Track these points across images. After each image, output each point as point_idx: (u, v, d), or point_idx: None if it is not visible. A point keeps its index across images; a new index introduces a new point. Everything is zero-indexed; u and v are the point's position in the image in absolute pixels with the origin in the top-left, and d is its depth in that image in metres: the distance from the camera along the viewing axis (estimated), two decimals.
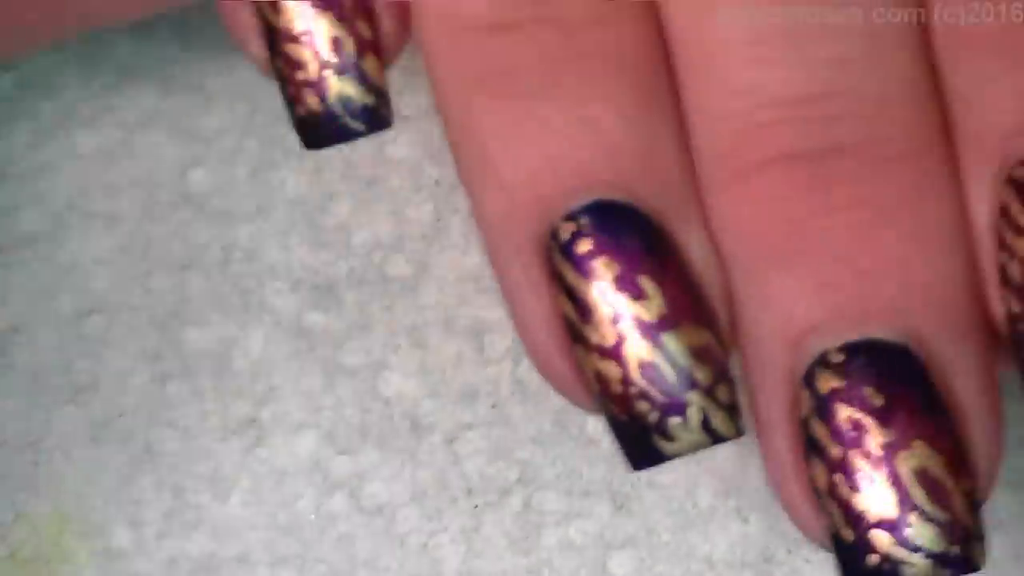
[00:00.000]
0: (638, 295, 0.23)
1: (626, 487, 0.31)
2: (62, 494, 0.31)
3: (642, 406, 0.23)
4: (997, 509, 0.31)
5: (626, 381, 0.23)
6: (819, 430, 0.23)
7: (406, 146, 0.32)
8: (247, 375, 0.31)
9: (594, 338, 0.23)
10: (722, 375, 0.23)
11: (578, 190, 0.23)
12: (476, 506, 0.31)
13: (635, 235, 0.23)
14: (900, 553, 0.22)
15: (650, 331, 0.23)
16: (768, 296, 0.23)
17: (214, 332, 0.31)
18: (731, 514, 0.31)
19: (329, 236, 0.32)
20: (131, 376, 0.31)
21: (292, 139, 0.32)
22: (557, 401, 0.31)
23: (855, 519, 0.22)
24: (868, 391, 0.22)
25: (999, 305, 0.23)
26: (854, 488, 0.22)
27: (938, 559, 0.22)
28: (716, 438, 0.23)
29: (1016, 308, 0.23)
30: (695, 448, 0.23)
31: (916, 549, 0.22)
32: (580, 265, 0.23)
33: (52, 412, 0.31)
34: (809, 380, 0.23)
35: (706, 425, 0.23)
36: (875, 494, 0.22)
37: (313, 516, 0.31)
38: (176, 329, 0.31)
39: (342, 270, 0.32)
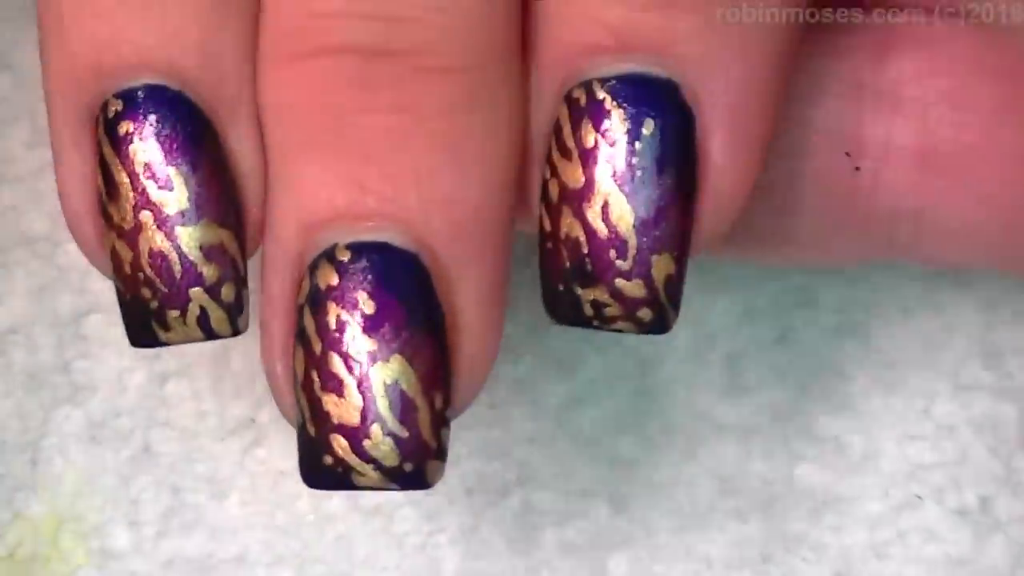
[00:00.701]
0: (164, 185, 0.23)
1: (625, 487, 0.31)
2: (60, 494, 0.31)
3: (146, 292, 0.23)
4: (997, 510, 0.31)
5: (135, 265, 0.23)
6: (308, 322, 0.23)
7: None
8: (245, 375, 0.31)
9: (115, 217, 0.23)
10: (231, 275, 0.23)
11: (135, 69, 0.23)
12: (474, 508, 0.31)
13: (176, 125, 0.23)
14: (354, 461, 0.23)
15: (167, 223, 0.23)
16: (294, 179, 0.23)
17: None
18: (730, 514, 0.31)
19: None
20: (129, 376, 0.31)
21: None
22: (557, 401, 0.31)
23: (320, 417, 0.23)
24: (361, 296, 0.23)
25: (536, 219, 0.24)
26: (325, 388, 0.23)
27: (389, 473, 0.23)
28: (211, 335, 0.24)
29: (547, 226, 0.23)
30: (190, 340, 0.24)
31: (370, 460, 0.23)
32: (117, 143, 0.23)
33: (50, 412, 0.31)
34: (312, 269, 0.23)
35: (202, 322, 0.23)
36: (344, 398, 0.23)
37: (311, 516, 0.31)
38: None
39: None
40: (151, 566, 0.31)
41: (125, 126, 0.23)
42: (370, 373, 0.23)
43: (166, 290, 0.23)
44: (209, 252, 0.23)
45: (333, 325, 0.23)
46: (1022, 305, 0.31)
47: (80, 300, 0.32)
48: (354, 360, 0.23)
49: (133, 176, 0.23)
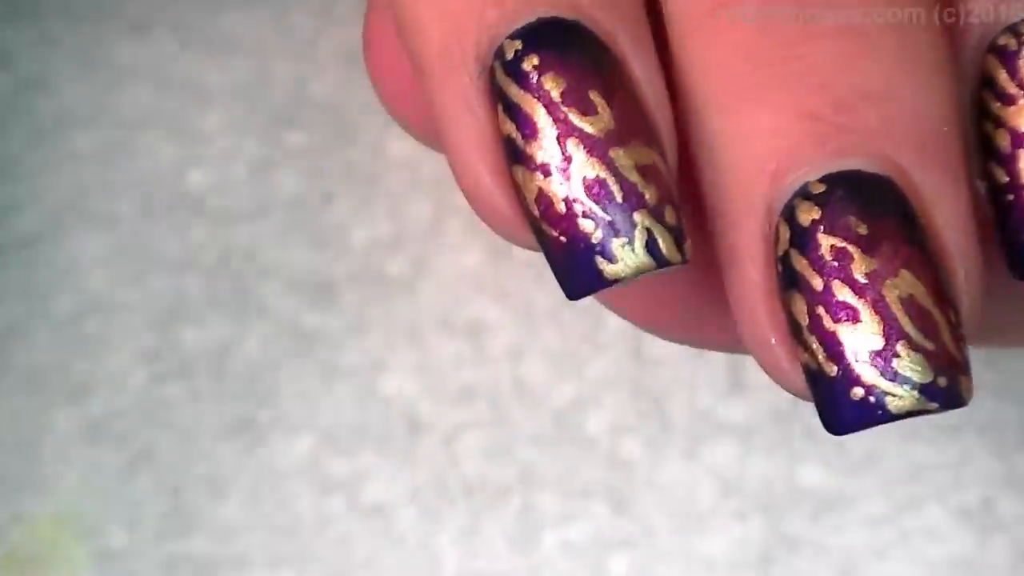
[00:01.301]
0: (586, 110, 0.22)
1: (625, 487, 0.31)
2: (60, 495, 0.31)
3: (587, 225, 0.22)
4: (997, 509, 0.31)
5: (570, 199, 0.22)
6: (799, 262, 0.22)
7: (405, 145, 0.32)
8: (245, 375, 0.31)
9: (539, 156, 0.22)
10: (670, 197, 0.22)
11: (522, 11, 0.22)
12: (474, 507, 0.31)
13: (582, 51, 0.22)
14: (886, 384, 0.21)
15: (598, 146, 0.22)
16: (745, 128, 0.22)
17: (212, 332, 0.31)
18: (731, 514, 0.31)
19: (328, 236, 0.32)
20: (129, 376, 0.31)
21: (292, 139, 0.32)
22: (557, 401, 0.31)
23: (838, 352, 0.22)
24: (852, 220, 0.22)
25: (983, 178, 0.23)
26: (838, 319, 0.22)
27: (925, 390, 0.21)
28: (661, 262, 0.22)
29: (1002, 179, 0.23)
30: (638, 271, 0.22)
31: (904, 380, 0.21)
32: (525, 80, 0.22)
33: (50, 412, 0.31)
34: (789, 213, 0.22)
35: (651, 247, 0.22)
36: (861, 324, 0.22)
37: (311, 516, 0.31)
38: (174, 329, 0.31)
39: (340, 270, 0.32)
40: (151, 566, 0.31)
41: (530, 60, 0.22)
42: (883, 291, 0.22)
43: (610, 217, 0.22)
44: (646, 172, 0.22)
45: (829, 255, 0.22)
46: None
47: (79, 300, 0.32)
48: (862, 282, 0.22)
49: (552, 107, 0.22)
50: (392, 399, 0.31)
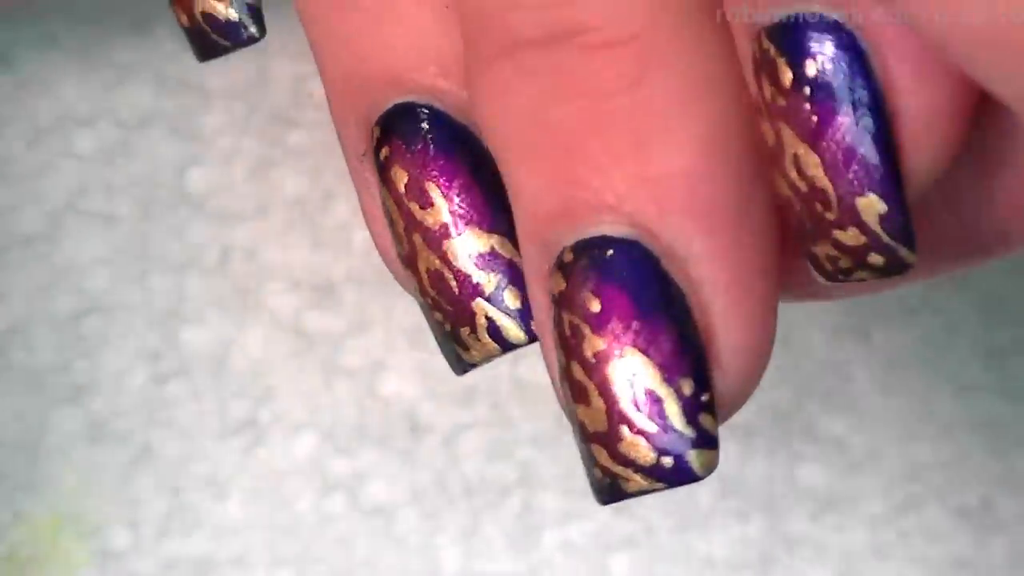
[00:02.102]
0: (424, 203, 0.22)
1: None
2: (60, 494, 0.31)
3: (438, 316, 0.23)
4: (997, 509, 0.31)
5: (423, 291, 0.23)
6: (555, 330, 0.22)
7: None
8: (246, 375, 0.31)
9: (399, 248, 0.23)
10: (511, 278, 0.22)
11: (389, 95, 0.22)
12: (475, 507, 0.31)
13: (428, 138, 0.22)
14: (616, 468, 0.21)
15: (434, 239, 0.22)
16: (516, 191, 0.22)
17: (212, 332, 0.31)
18: (731, 514, 0.31)
19: (328, 236, 0.32)
20: (129, 376, 0.31)
21: (292, 139, 0.32)
22: (557, 401, 0.31)
23: (580, 431, 0.22)
24: (586, 295, 0.22)
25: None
26: (576, 399, 0.22)
27: (650, 472, 0.21)
28: (506, 345, 0.22)
29: (783, 191, 0.22)
30: (490, 357, 0.22)
31: (628, 463, 0.21)
32: (382, 170, 0.23)
33: (50, 412, 0.31)
34: (550, 277, 0.22)
35: (493, 332, 0.22)
36: (590, 406, 0.21)
37: (312, 516, 0.31)
38: (174, 329, 0.31)
39: (341, 270, 0.32)
40: (151, 566, 0.31)
41: (384, 152, 0.23)
42: (606, 373, 0.21)
43: (451, 309, 0.22)
44: (480, 260, 0.22)
45: (568, 332, 0.22)
46: (1022, 305, 0.31)
47: (80, 300, 0.32)
48: (590, 364, 0.21)
49: (398, 199, 0.23)
50: (392, 399, 0.31)
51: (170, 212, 0.32)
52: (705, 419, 0.22)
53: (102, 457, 0.31)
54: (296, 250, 0.32)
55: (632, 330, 0.22)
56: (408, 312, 0.31)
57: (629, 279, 0.22)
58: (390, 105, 0.22)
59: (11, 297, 0.32)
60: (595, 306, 0.22)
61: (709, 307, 0.22)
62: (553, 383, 0.23)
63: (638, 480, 0.21)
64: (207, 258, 0.32)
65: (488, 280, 0.22)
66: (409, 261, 0.23)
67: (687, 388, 0.22)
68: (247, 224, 0.32)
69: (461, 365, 0.23)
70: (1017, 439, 0.31)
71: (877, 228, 0.21)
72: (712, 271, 0.22)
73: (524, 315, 0.23)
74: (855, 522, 0.31)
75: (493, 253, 0.23)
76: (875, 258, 0.22)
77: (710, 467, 0.22)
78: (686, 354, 0.22)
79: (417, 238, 0.22)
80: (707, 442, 0.22)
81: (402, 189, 0.23)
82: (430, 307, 0.23)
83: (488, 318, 0.22)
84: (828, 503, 0.31)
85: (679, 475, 0.21)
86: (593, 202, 0.22)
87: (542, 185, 0.22)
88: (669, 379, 0.21)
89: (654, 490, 0.21)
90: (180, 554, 0.31)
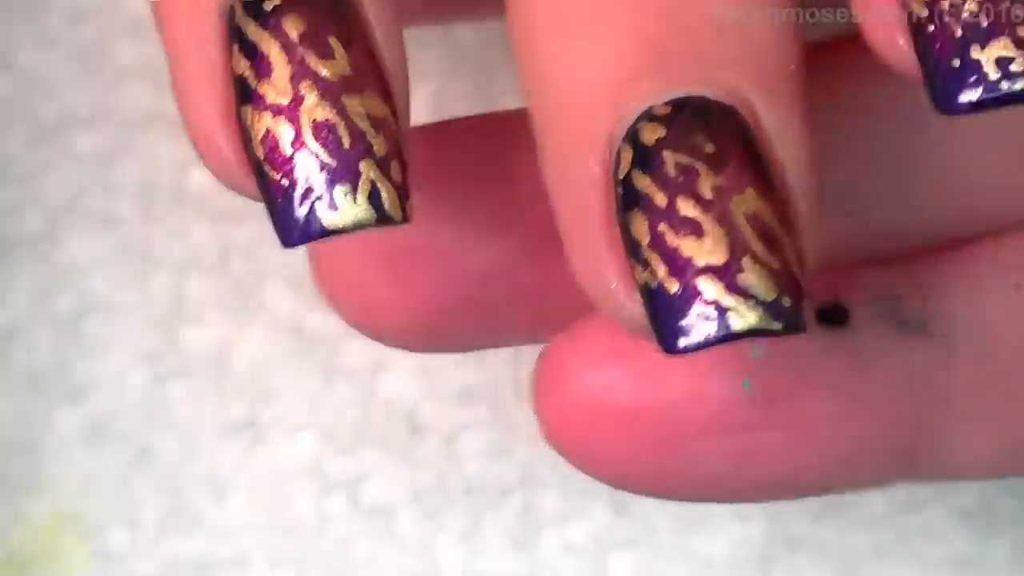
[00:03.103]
0: (324, 53, 0.22)
1: None
2: (60, 495, 0.31)
3: (311, 169, 0.22)
4: (997, 509, 0.31)
5: (298, 141, 0.22)
6: (642, 181, 0.21)
7: None
8: (246, 375, 0.31)
9: (270, 95, 0.22)
10: (398, 153, 0.22)
11: None
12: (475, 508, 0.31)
13: None
14: (729, 300, 0.21)
15: (331, 90, 0.22)
16: (584, 53, 0.22)
17: (213, 332, 0.31)
18: (731, 514, 0.31)
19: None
20: (129, 376, 0.31)
21: None
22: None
23: (681, 267, 0.21)
24: (699, 137, 0.21)
25: (895, 26, 0.22)
26: (682, 234, 0.21)
27: (769, 308, 0.21)
28: (381, 217, 0.22)
29: (919, 11, 0.21)
30: (357, 223, 0.22)
31: (748, 295, 0.21)
32: (265, 20, 0.22)
33: (50, 412, 0.31)
34: (632, 136, 0.21)
35: (373, 199, 0.21)
36: (706, 238, 0.21)
37: (312, 517, 0.31)
38: (175, 329, 0.31)
39: None
40: (151, 567, 0.31)
41: (271, 2, 0.22)
42: (729, 206, 0.21)
43: (335, 163, 0.21)
44: (377, 124, 0.22)
45: (674, 171, 0.21)
46: None
47: (80, 300, 0.32)
48: (708, 197, 0.21)
49: (289, 47, 0.22)
50: (392, 399, 0.31)
51: (170, 212, 0.32)
52: (806, 276, 0.21)
53: (102, 457, 0.31)
54: (296, 250, 0.32)
55: (749, 173, 0.21)
56: None
57: (735, 135, 0.21)
58: None
59: (11, 297, 0.32)
60: (711, 147, 0.21)
61: (793, 186, 0.22)
62: (596, 267, 0.22)
63: (756, 314, 0.21)
64: (207, 258, 0.32)
65: (380, 145, 0.22)
66: (285, 110, 0.22)
67: (796, 240, 0.21)
68: (247, 224, 0.32)
69: (311, 231, 0.22)
70: None
71: None
72: (799, 152, 0.22)
73: (404, 192, 0.22)
74: (855, 522, 0.31)
75: (386, 120, 0.22)
76: None
77: (808, 325, 0.21)
78: (785, 209, 0.21)
79: (307, 85, 0.22)
80: (807, 298, 0.21)
81: (295, 38, 0.22)
82: (299, 163, 0.22)
83: (372, 182, 0.22)
84: (828, 503, 0.31)
85: (793, 319, 0.21)
86: (688, 64, 0.21)
87: (627, 47, 0.21)
88: (781, 219, 0.21)
89: (768, 331, 0.21)
90: (180, 554, 0.31)
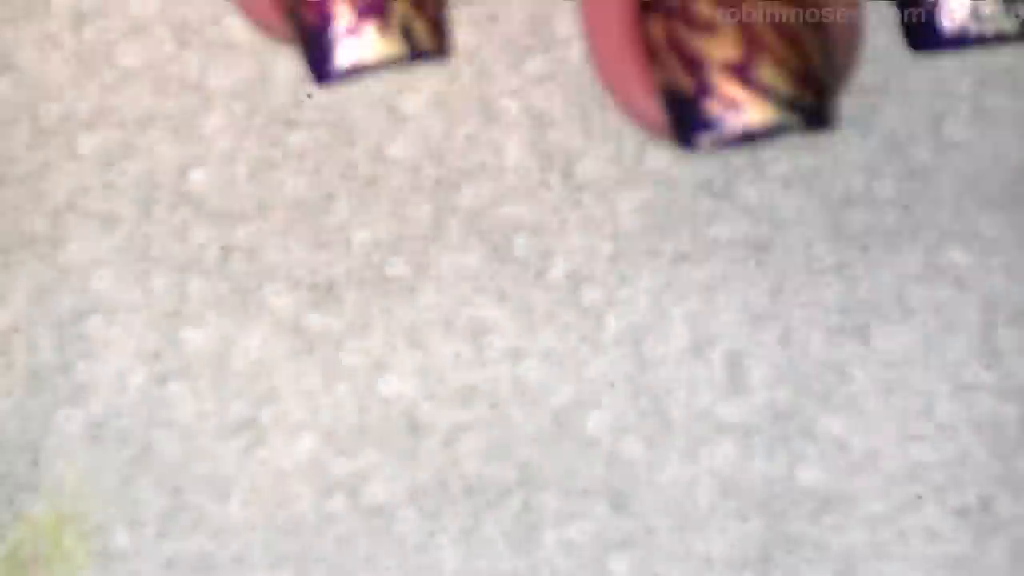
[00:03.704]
0: None
1: (625, 487, 0.31)
2: (62, 494, 0.31)
3: (342, 6, 0.21)
4: (998, 509, 0.31)
5: None
6: None
7: (406, 146, 0.32)
8: (246, 375, 0.31)
9: None
10: None
11: None
12: (476, 508, 0.31)
13: None
14: (746, 95, 0.21)
15: None
16: None
17: (213, 332, 0.31)
18: (730, 514, 0.31)
19: (328, 236, 0.32)
20: (130, 376, 0.31)
21: (292, 139, 0.32)
22: (557, 401, 0.31)
23: (696, 64, 0.21)
24: None
25: None
26: (699, 29, 0.21)
27: (787, 104, 0.20)
28: (416, 51, 0.21)
29: None
30: (391, 59, 0.21)
31: (765, 89, 0.20)
32: None
33: (51, 412, 0.31)
34: None
35: (407, 34, 0.21)
36: (721, 34, 0.21)
37: (312, 516, 0.31)
38: (175, 329, 0.31)
39: (341, 270, 0.32)
40: (152, 566, 0.31)
41: None
42: (748, 5, 0.21)
43: (367, 1, 0.21)
44: None
45: None
46: (1022, 305, 0.31)
47: (81, 300, 0.32)
48: None
49: None
50: (392, 399, 0.31)
51: (171, 212, 0.32)
52: (835, 77, 0.21)
53: (103, 457, 0.31)
54: (296, 250, 0.32)
55: None
56: (408, 312, 0.32)
57: None
58: None
59: (12, 297, 0.32)
60: None
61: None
62: (605, 42, 0.21)
63: (771, 110, 0.20)
64: (207, 258, 0.32)
65: None
66: None
67: (820, 37, 0.21)
68: (247, 224, 0.32)
69: (341, 65, 0.22)
70: (1017, 439, 0.31)
71: None
72: None
73: (439, 27, 0.21)
74: (854, 522, 0.31)
75: None
76: None
77: (837, 121, 0.21)
78: (813, 10, 0.21)
79: None
80: (835, 95, 0.21)
81: None
82: (311, 5, 0.21)
83: (404, 16, 0.21)
84: (827, 503, 0.31)
85: (815, 116, 0.21)
86: None
87: None
88: (810, 25, 0.21)
89: (787, 128, 0.21)
90: (180, 554, 0.31)
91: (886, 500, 0.31)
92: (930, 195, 0.32)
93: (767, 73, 0.21)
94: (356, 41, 0.21)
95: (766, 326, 0.31)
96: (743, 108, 0.21)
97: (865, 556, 0.31)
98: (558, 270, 0.31)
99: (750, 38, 0.21)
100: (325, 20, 0.22)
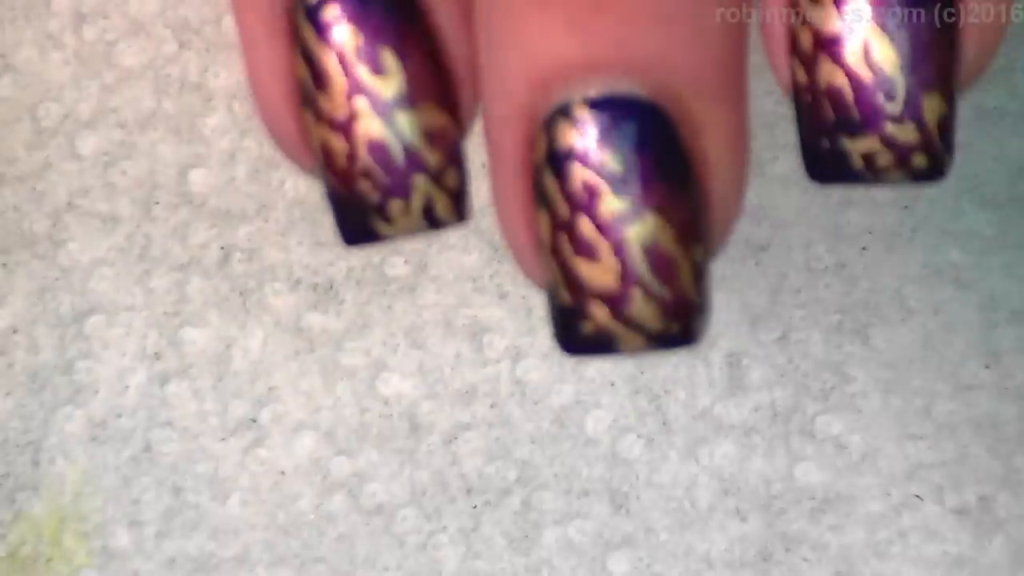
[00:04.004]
0: (378, 69, 0.22)
1: (625, 487, 0.31)
2: (62, 494, 0.31)
3: (364, 185, 0.22)
4: (997, 509, 0.31)
5: (352, 157, 0.22)
6: (551, 184, 0.21)
7: None
8: (246, 375, 0.31)
9: (326, 108, 0.22)
10: (453, 159, 0.22)
11: None
12: (475, 506, 0.31)
13: (382, 5, 0.22)
14: (616, 328, 0.21)
15: (384, 108, 0.22)
16: (519, 32, 0.21)
17: (213, 332, 0.32)
18: (730, 514, 0.31)
19: (328, 236, 0.32)
20: (130, 376, 0.31)
21: None
22: (557, 401, 0.31)
23: (575, 284, 0.21)
24: (606, 155, 0.21)
25: (784, 72, 0.22)
26: (578, 252, 0.21)
27: (655, 337, 0.21)
28: (436, 224, 0.22)
29: (802, 79, 0.22)
30: (412, 232, 0.22)
31: (634, 326, 0.21)
32: (322, 30, 0.22)
33: (52, 412, 0.31)
34: (548, 126, 0.21)
35: (428, 211, 0.22)
36: (599, 263, 0.21)
37: (312, 516, 0.31)
38: (176, 329, 0.32)
39: (341, 270, 0.32)
40: (152, 566, 0.31)
41: (330, 10, 0.22)
42: (624, 235, 0.21)
43: (388, 180, 0.22)
44: (431, 137, 0.22)
45: (579, 189, 0.21)
46: (1022, 305, 0.31)
47: (81, 300, 0.32)
48: (606, 223, 0.21)
49: (344, 61, 0.22)
50: (392, 399, 0.31)
51: (171, 213, 0.32)
52: (705, 285, 0.22)
53: (103, 457, 0.31)
54: (296, 250, 0.32)
55: (654, 194, 0.21)
56: (408, 312, 0.32)
57: (653, 143, 0.21)
58: None
59: (13, 297, 0.32)
60: (617, 166, 0.21)
61: (715, 177, 0.21)
62: (512, 227, 0.22)
63: (639, 342, 0.21)
64: (208, 258, 0.32)
65: (435, 158, 0.22)
66: (340, 125, 0.22)
67: (698, 253, 0.21)
68: (248, 224, 0.32)
69: (367, 236, 0.22)
70: (1017, 439, 0.31)
71: (934, 128, 0.21)
72: (727, 141, 0.22)
73: (460, 196, 0.22)
74: (854, 521, 0.31)
75: (443, 131, 0.22)
76: (919, 159, 0.21)
77: (703, 333, 0.21)
78: (697, 218, 0.21)
79: (361, 102, 0.22)
80: (705, 309, 0.21)
81: (351, 52, 0.22)
82: (355, 174, 0.22)
83: (426, 195, 0.22)
84: (827, 502, 0.31)
85: (681, 341, 0.21)
86: (618, 57, 0.21)
87: (560, 29, 0.21)
88: (685, 244, 0.21)
89: (651, 352, 0.21)
90: (181, 553, 0.31)
91: (885, 500, 0.31)
92: (930, 195, 0.32)
93: (638, 309, 0.21)
94: (380, 217, 0.22)
95: (766, 326, 0.31)
96: (615, 337, 0.21)
97: (864, 556, 0.31)
98: None
99: (625, 270, 0.21)
100: (352, 194, 0.22)
